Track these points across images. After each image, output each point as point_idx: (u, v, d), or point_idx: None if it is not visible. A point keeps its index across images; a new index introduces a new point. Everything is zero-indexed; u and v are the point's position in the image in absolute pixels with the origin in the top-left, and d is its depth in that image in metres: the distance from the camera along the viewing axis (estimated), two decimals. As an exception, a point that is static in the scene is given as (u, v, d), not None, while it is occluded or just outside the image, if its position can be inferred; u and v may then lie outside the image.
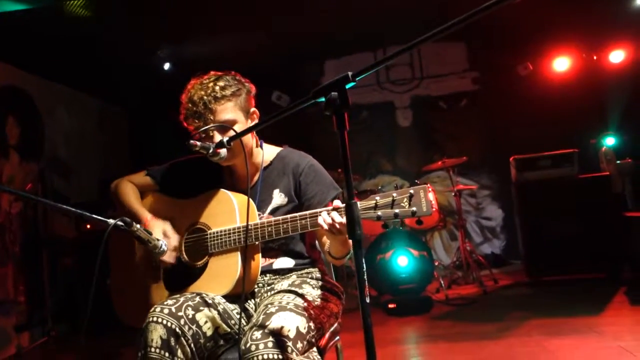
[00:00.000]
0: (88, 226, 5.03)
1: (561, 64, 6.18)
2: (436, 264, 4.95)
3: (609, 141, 5.80)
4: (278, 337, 1.44)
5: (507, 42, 6.10)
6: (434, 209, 4.90)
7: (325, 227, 1.53)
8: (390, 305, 4.50)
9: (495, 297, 4.79)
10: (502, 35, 6.02)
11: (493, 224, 6.46)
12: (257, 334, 1.45)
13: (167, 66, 5.52)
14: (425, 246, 4.79)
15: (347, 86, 1.23)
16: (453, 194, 5.28)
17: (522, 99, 6.10)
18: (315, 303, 1.67)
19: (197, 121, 1.74)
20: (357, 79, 1.23)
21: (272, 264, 1.84)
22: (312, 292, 1.72)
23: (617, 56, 6.06)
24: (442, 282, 4.85)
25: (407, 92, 6.68)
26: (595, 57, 6.14)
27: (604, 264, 4.76)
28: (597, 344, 3.14)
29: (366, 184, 6.54)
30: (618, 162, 5.26)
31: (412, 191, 1.43)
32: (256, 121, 1.87)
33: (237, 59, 5.71)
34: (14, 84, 4.94)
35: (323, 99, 1.25)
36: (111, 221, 1.48)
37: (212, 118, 1.74)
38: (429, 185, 4.86)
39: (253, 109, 1.87)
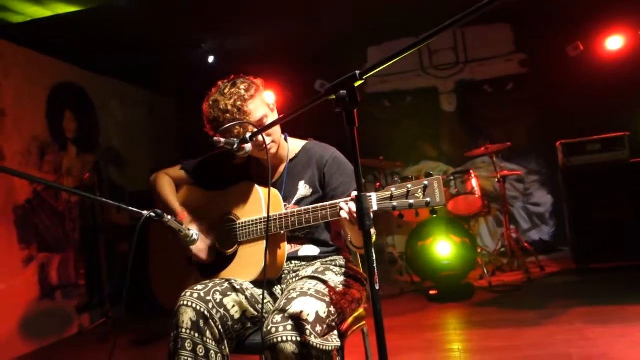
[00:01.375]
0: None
1: (614, 42, 5.90)
2: (479, 250, 4.92)
3: (665, 123, 5.53)
4: (297, 320, 1.53)
5: (556, 22, 5.89)
6: (475, 193, 4.87)
7: (345, 216, 1.59)
8: (432, 292, 4.52)
9: (540, 285, 4.71)
10: (551, 15, 5.82)
11: (542, 210, 6.31)
12: (278, 318, 1.55)
13: (211, 59, 5.69)
14: (467, 233, 4.77)
15: (356, 84, 1.29)
16: (497, 179, 5.21)
17: (572, 80, 5.87)
18: (337, 289, 1.75)
19: (236, 128, 1.79)
20: (364, 77, 1.28)
21: (297, 251, 1.93)
22: (335, 279, 1.80)
23: (675, 33, 5.74)
24: (485, 269, 4.81)
25: (451, 76, 6.58)
26: (651, 35, 5.84)
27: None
28: (642, 332, 3.08)
29: (409, 171, 6.52)
30: (674, 144, 5.03)
31: (426, 182, 1.48)
32: (275, 112, 1.96)
33: (280, 48, 5.85)
34: (70, 80, 5.23)
35: (334, 97, 1.31)
36: (145, 213, 1.61)
37: (248, 119, 1.81)
38: (472, 171, 4.87)
39: (272, 102, 1.96)
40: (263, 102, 1.89)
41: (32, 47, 4.69)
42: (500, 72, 6.39)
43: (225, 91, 1.83)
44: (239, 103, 1.80)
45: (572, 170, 4.93)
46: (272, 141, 1.90)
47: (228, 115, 1.80)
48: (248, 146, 1.75)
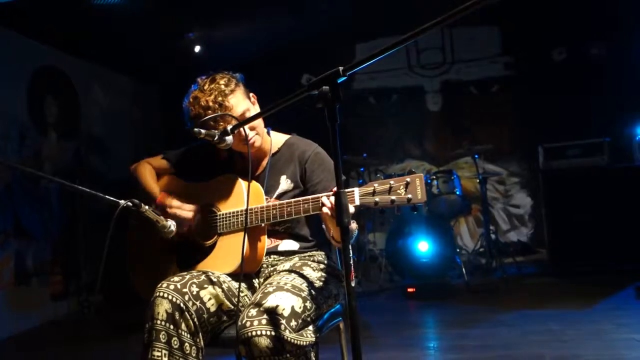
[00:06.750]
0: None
1: (597, 48, 5.98)
2: (458, 250, 4.97)
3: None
4: (272, 314, 1.53)
5: (543, 26, 5.96)
6: (460, 193, 4.90)
7: (327, 212, 1.60)
8: (410, 290, 4.56)
9: (517, 285, 4.78)
10: (537, 19, 5.87)
11: (521, 212, 6.39)
12: (253, 312, 1.55)
13: (197, 49, 5.63)
14: (447, 232, 4.81)
15: (339, 80, 1.29)
16: (478, 180, 5.26)
17: (556, 85, 5.96)
18: (314, 284, 1.75)
19: (217, 123, 1.79)
20: (347, 73, 1.28)
21: (277, 245, 1.93)
22: (312, 274, 1.80)
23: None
24: (463, 268, 4.85)
25: (437, 76, 6.61)
26: None
27: (631, 256, 4.67)
28: (613, 335, 3.14)
29: (393, 168, 6.55)
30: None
31: (408, 179, 1.50)
32: (257, 106, 1.96)
33: (267, 41, 5.81)
34: (52, 64, 5.14)
35: (316, 92, 1.31)
36: (122, 202, 1.59)
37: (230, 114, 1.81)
38: (464, 169, 4.88)
39: (251, 93, 1.96)
40: (244, 96, 1.90)
41: (15, 29, 4.59)
42: (486, 73, 6.44)
43: (205, 87, 1.83)
44: (219, 99, 1.80)
45: (551, 173, 5.01)
46: (256, 134, 1.90)
47: (210, 111, 1.80)
48: (229, 138, 1.74)
